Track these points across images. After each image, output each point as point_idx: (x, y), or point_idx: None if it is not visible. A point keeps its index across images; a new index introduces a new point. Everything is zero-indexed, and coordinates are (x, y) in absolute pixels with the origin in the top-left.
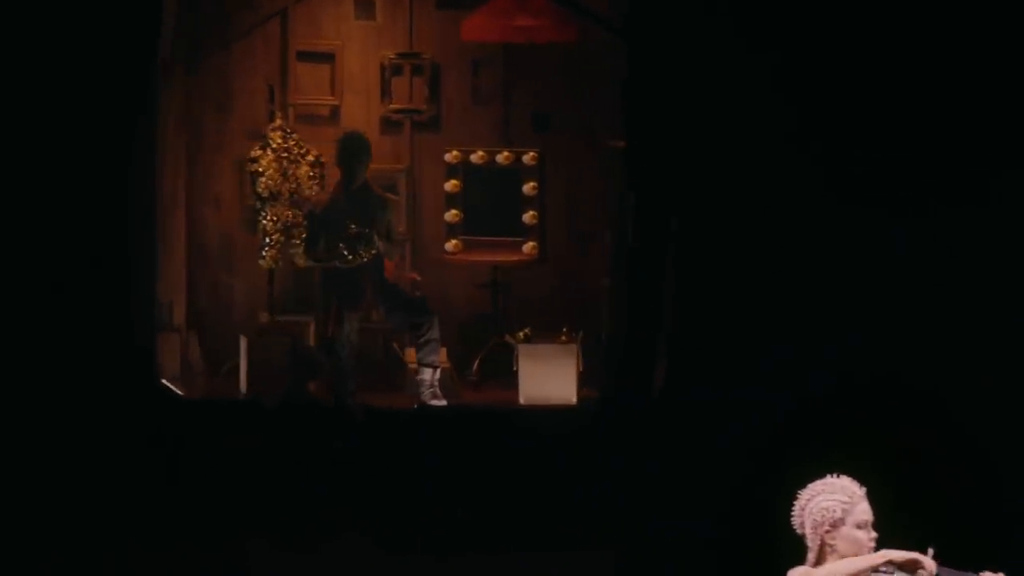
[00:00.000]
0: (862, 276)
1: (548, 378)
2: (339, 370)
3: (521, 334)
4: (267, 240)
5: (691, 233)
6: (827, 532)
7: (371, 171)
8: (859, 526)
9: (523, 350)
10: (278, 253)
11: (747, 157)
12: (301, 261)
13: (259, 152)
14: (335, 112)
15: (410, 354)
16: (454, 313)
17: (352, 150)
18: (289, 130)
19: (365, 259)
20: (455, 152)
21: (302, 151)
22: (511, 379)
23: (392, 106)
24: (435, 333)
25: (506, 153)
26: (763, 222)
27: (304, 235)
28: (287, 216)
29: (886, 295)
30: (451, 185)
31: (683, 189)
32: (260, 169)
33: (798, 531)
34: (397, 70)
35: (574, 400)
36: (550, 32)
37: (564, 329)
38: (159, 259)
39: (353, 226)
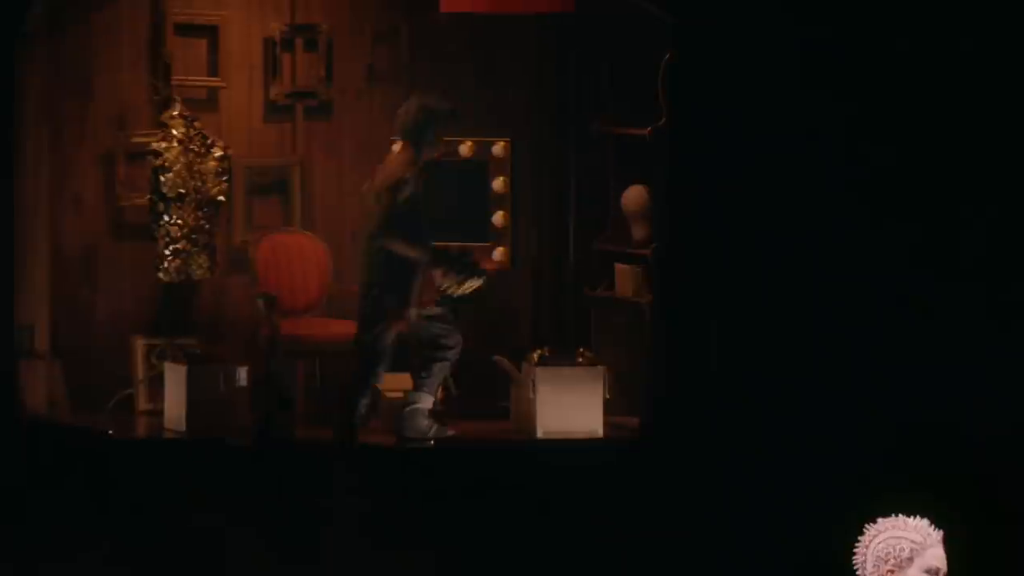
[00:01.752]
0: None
1: (571, 406)
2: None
3: (536, 355)
4: (170, 249)
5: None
6: (890, 572)
7: (255, 164)
8: (928, 572)
9: (541, 374)
10: (183, 264)
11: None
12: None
13: (163, 144)
14: (213, 95)
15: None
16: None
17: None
18: (191, 117)
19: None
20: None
21: (207, 143)
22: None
23: (280, 88)
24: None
25: (469, 143)
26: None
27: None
28: (193, 220)
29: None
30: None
31: (739, 195)
32: (166, 164)
33: (858, 573)
34: (287, 45)
35: (600, 432)
36: (547, 2)
37: (581, 349)
38: (16, 274)
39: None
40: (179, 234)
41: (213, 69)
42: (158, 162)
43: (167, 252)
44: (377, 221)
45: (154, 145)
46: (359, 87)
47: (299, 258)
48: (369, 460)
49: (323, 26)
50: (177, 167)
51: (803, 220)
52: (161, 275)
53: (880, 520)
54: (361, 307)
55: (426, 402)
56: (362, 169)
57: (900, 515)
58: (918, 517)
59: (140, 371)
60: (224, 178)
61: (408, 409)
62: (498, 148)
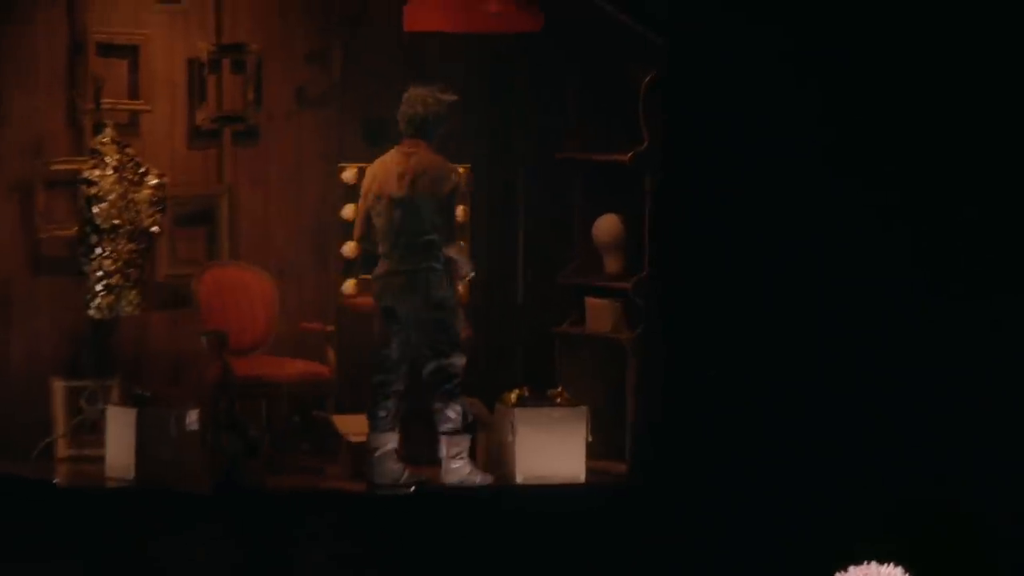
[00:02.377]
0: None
1: (551, 450)
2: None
3: (513, 395)
4: (102, 284)
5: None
6: None
7: (180, 193)
8: None
9: (521, 416)
10: (115, 300)
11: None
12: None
13: (95, 172)
14: (134, 120)
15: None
16: (355, 372)
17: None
18: (123, 143)
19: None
20: (352, 169)
21: (141, 171)
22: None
23: (207, 112)
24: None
25: None
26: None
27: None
28: (127, 253)
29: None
30: (348, 211)
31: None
32: (100, 193)
33: None
34: (214, 67)
35: (583, 477)
36: (515, 21)
37: (559, 388)
38: None
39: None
40: (112, 268)
41: (134, 91)
42: (91, 191)
43: (99, 288)
44: (445, 229)
45: (86, 173)
46: (288, 110)
47: (243, 293)
48: (343, 507)
49: (252, 46)
50: (112, 196)
51: (806, 247)
52: (92, 312)
53: (852, 568)
54: (398, 333)
55: (393, 443)
56: (290, 197)
57: (872, 562)
58: (891, 564)
59: (61, 415)
60: (159, 208)
61: (378, 454)
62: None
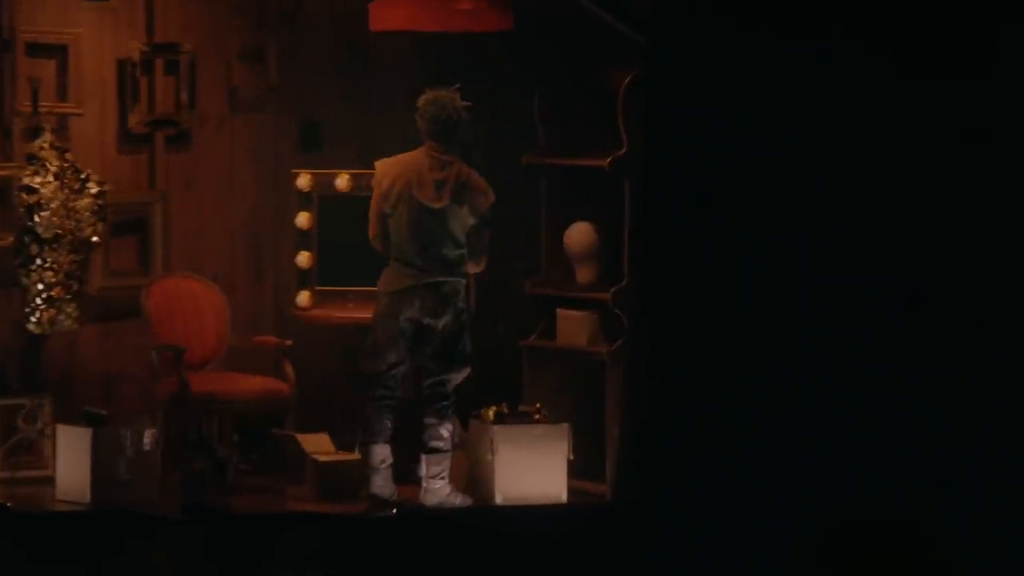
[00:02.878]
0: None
1: (532, 469)
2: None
3: (491, 412)
4: (43, 296)
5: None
6: None
7: (113, 201)
8: None
9: (501, 434)
10: (56, 314)
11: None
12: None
13: (36, 179)
14: (63, 124)
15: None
16: (312, 388)
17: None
18: (62, 148)
19: None
20: (307, 176)
21: (82, 177)
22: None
23: (139, 115)
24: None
25: None
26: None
27: None
28: (67, 264)
29: None
30: (303, 219)
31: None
32: (42, 201)
33: None
34: (146, 67)
35: (564, 497)
36: (486, 19)
37: (537, 405)
38: None
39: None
40: (53, 280)
41: (63, 93)
42: (32, 199)
43: (38, 301)
44: (476, 246)
45: (26, 180)
46: (221, 113)
47: (192, 306)
48: (317, 529)
49: (185, 46)
50: (54, 205)
51: (796, 250)
52: (32, 326)
53: None
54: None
55: (391, 457)
56: (223, 205)
57: None
58: None
59: None
60: (100, 217)
61: (381, 467)
62: None
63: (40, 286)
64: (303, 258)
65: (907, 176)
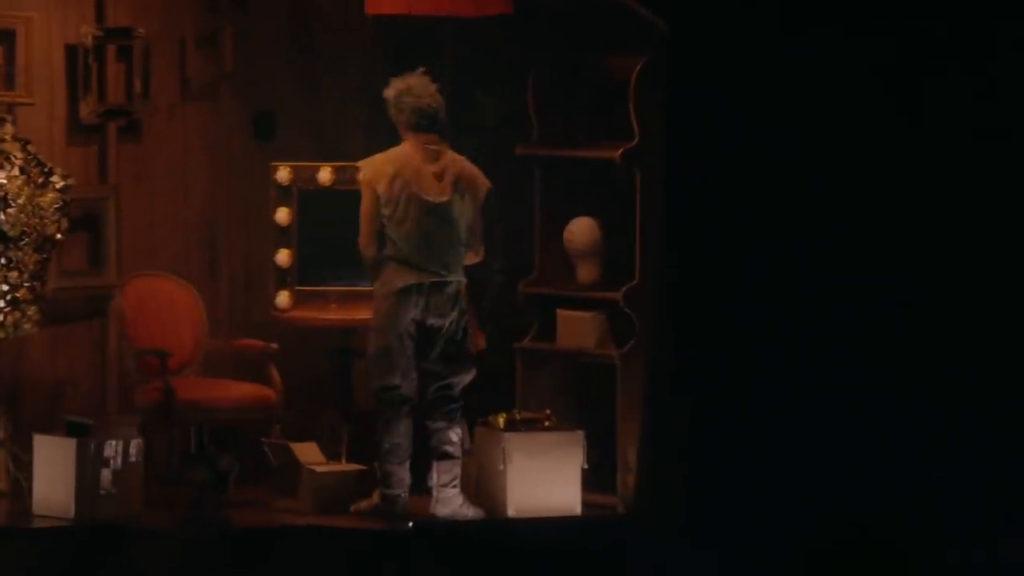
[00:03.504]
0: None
1: (545, 479)
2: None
3: (501, 419)
4: (7, 299)
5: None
6: None
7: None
8: None
9: (513, 442)
10: (20, 317)
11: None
12: None
13: (2, 173)
14: (10, 113)
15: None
16: (293, 393)
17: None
18: (24, 140)
19: None
20: (286, 169)
21: (45, 171)
22: None
23: (93, 105)
24: None
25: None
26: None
27: None
28: (33, 264)
29: None
30: (282, 215)
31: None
32: (8, 196)
33: None
34: (98, 53)
35: (578, 509)
36: (487, 4)
37: (547, 412)
38: None
39: None
40: (18, 280)
41: (10, 81)
42: None
43: (2, 303)
44: (475, 236)
45: None
46: (172, 102)
47: (168, 307)
48: (336, 544)
49: (139, 31)
50: (20, 200)
51: (822, 243)
52: None
53: None
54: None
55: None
56: (174, 198)
57: None
58: None
59: None
60: (64, 213)
61: (404, 489)
62: None
63: (5, 287)
64: (283, 256)
65: (934, 169)
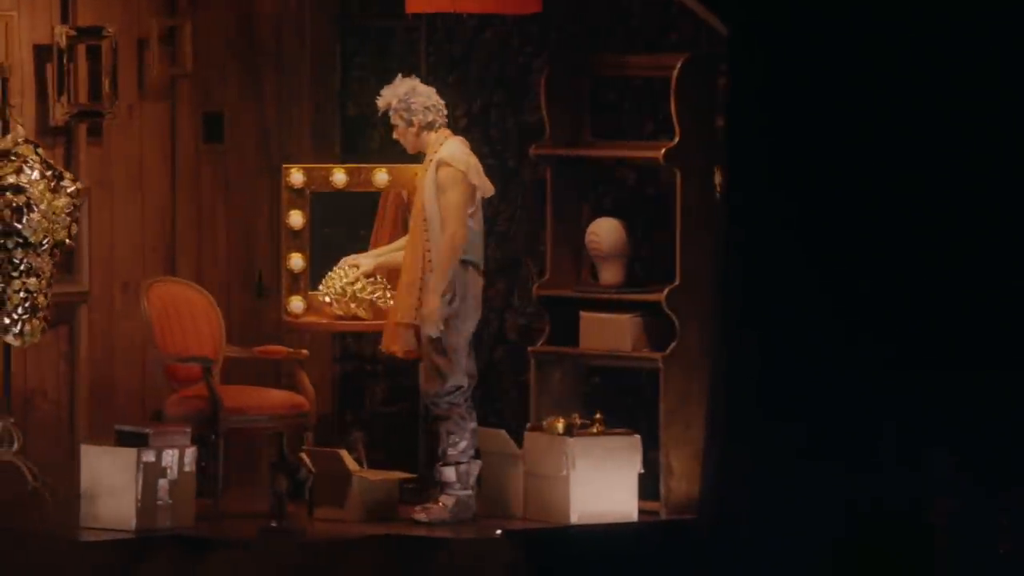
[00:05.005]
0: None
1: (605, 485)
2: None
3: (560, 424)
4: (27, 305)
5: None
6: None
7: None
8: None
9: (576, 447)
10: (37, 324)
11: None
12: None
13: (22, 177)
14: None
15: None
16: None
17: None
18: (35, 144)
19: None
20: (296, 170)
21: (56, 174)
22: None
23: (66, 106)
24: None
25: (383, 171)
26: None
27: None
28: (49, 270)
29: None
30: (294, 218)
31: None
32: (31, 201)
33: None
34: (69, 53)
35: (635, 515)
36: (518, 1)
37: (597, 416)
38: None
39: None
40: (37, 287)
41: None
42: (19, 199)
43: (20, 310)
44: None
45: (11, 179)
46: (130, 102)
47: (189, 313)
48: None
49: (108, 29)
50: (43, 205)
51: (889, 241)
52: (11, 339)
53: None
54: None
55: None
56: (133, 201)
57: None
58: None
59: None
60: (74, 218)
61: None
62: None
63: (22, 294)
64: (296, 261)
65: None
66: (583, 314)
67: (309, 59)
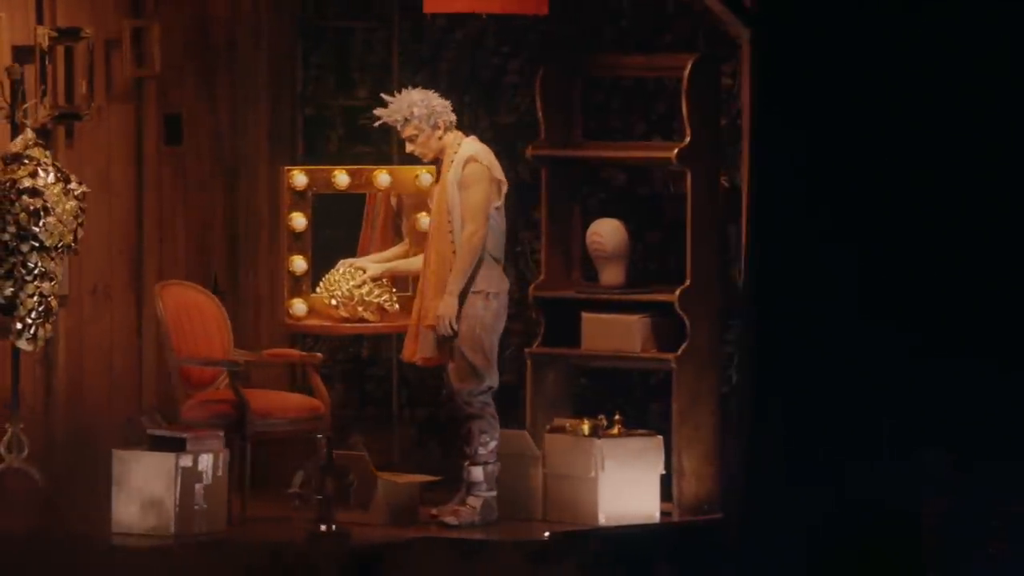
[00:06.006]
0: None
1: (630, 486)
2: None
3: (586, 425)
4: (40, 309)
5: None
6: None
7: None
8: None
9: (606, 448)
10: (49, 328)
11: None
12: None
13: (36, 181)
14: None
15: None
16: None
17: None
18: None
19: None
20: (299, 172)
21: (64, 177)
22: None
23: (47, 108)
24: None
25: (384, 172)
26: None
27: None
28: (59, 275)
29: None
30: (296, 220)
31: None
32: (48, 204)
33: None
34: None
35: (657, 516)
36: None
37: (616, 416)
38: None
39: None
40: (51, 291)
41: None
42: (36, 203)
43: (34, 315)
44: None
45: (27, 182)
46: (99, 104)
47: (199, 316)
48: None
49: (86, 30)
50: (59, 209)
51: (914, 239)
52: (24, 344)
53: None
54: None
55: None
56: (101, 203)
57: None
58: None
59: None
60: (80, 222)
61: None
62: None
63: (36, 298)
64: (298, 263)
65: None
66: (585, 315)
67: (266, 60)
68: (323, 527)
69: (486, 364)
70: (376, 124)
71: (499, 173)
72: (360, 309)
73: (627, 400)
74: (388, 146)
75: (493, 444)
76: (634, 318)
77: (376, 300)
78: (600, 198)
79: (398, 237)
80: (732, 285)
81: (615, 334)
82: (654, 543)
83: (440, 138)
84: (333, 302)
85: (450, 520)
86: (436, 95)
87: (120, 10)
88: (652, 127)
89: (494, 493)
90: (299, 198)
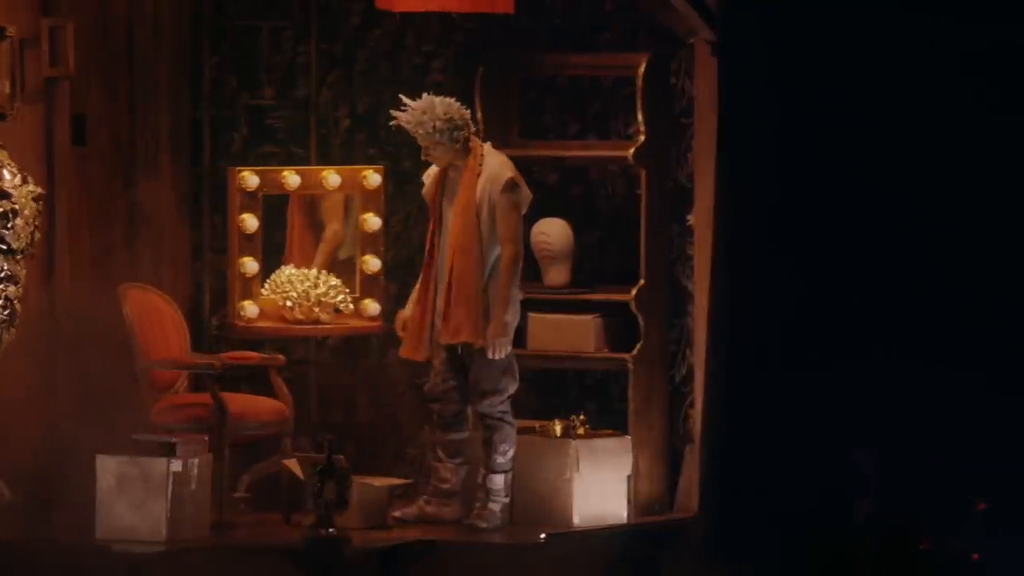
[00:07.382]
0: None
1: (601, 488)
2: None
3: (558, 426)
4: (5, 313)
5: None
6: None
7: None
8: None
9: (582, 449)
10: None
11: None
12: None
13: (3, 183)
14: None
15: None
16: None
17: None
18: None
19: None
20: (249, 173)
21: (24, 179)
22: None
23: None
24: None
25: (333, 172)
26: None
27: None
28: (24, 278)
29: None
30: (248, 221)
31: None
32: (16, 207)
33: None
34: None
35: (625, 517)
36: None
37: (580, 416)
38: None
39: None
40: (16, 295)
41: None
42: (6, 205)
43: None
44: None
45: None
46: (17, 104)
47: (158, 319)
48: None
49: (10, 29)
50: (27, 211)
51: (880, 255)
52: None
53: None
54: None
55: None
56: None
57: None
58: None
59: None
60: (36, 224)
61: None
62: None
63: (2, 302)
64: (247, 264)
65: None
66: (532, 315)
67: (167, 60)
68: (322, 531)
69: (513, 374)
70: (391, 124)
71: (526, 192)
72: (316, 310)
73: (563, 401)
74: (299, 147)
75: (511, 452)
76: (588, 318)
77: (332, 300)
78: (535, 198)
79: (316, 239)
80: (678, 285)
81: (566, 335)
82: (661, 541)
83: (457, 149)
84: (288, 303)
85: (480, 524)
86: (458, 106)
87: (31, 8)
88: (587, 126)
89: (508, 500)
90: (250, 199)
